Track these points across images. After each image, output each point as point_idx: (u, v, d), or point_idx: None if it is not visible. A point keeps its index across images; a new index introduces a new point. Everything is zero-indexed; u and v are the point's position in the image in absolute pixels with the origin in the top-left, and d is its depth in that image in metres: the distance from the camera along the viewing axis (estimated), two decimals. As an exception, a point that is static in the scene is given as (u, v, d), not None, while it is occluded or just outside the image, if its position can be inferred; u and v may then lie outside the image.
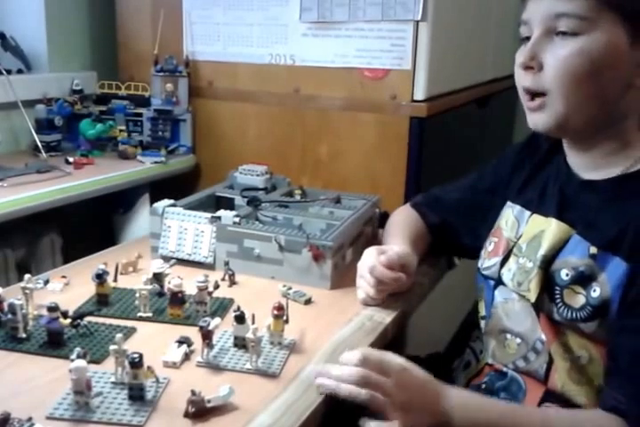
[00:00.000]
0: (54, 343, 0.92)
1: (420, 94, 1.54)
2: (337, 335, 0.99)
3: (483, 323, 1.06)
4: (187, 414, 0.77)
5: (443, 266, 1.33)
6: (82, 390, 0.76)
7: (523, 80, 0.93)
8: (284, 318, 0.93)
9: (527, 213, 1.02)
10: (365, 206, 1.36)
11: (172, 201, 1.29)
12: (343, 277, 1.18)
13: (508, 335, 0.99)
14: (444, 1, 1.52)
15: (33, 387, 0.82)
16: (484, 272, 1.05)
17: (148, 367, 0.79)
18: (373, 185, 1.58)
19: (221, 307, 1.07)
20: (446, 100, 1.67)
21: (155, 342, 0.95)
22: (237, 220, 1.21)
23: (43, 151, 1.56)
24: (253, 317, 0.91)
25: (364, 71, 1.58)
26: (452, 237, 1.24)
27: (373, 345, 0.97)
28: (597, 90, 0.88)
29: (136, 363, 0.77)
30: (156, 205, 1.27)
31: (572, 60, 0.87)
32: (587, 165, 0.96)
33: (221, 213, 1.23)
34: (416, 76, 1.53)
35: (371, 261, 1.08)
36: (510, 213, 1.05)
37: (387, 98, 1.56)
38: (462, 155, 1.92)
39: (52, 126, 1.65)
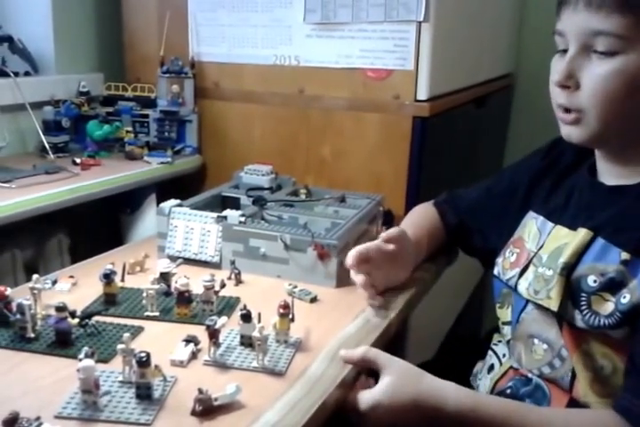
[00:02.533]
0: (62, 343, 0.93)
1: (422, 94, 1.55)
2: (342, 333, 0.99)
3: (507, 328, 1.05)
4: (194, 413, 0.78)
5: (443, 262, 1.34)
6: (90, 389, 0.78)
7: (558, 97, 0.92)
8: (290, 316, 0.94)
9: (550, 224, 1.00)
10: (369, 205, 1.36)
11: (178, 201, 1.30)
12: (348, 276, 1.18)
13: (536, 340, 0.97)
14: (445, 2, 1.53)
15: (41, 386, 0.84)
16: (508, 283, 1.04)
17: (156, 366, 0.80)
18: (377, 184, 1.59)
19: (228, 306, 1.08)
20: (447, 100, 1.67)
21: (162, 341, 0.96)
22: (243, 219, 1.22)
23: (50, 152, 1.57)
24: (259, 315, 0.92)
25: (367, 72, 1.59)
26: (464, 238, 1.25)
27: (377, 341, 0.98)
28: (634, 108, 0.87)
29: (143, 362, 0.78)
30: (162, 205, 1.28)
31: (609, 80, 0.85)
32: (618, 173, 0.95)
33: (227, 212, 1.24)
34: (419, 77, 1.54)
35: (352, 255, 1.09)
36: (533, 224, 1.04)
37: (390, 98, 1.57)
38: (461, 154, 1.93)
39: (60, 128, 1.66)
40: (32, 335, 0.94)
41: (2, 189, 1.34)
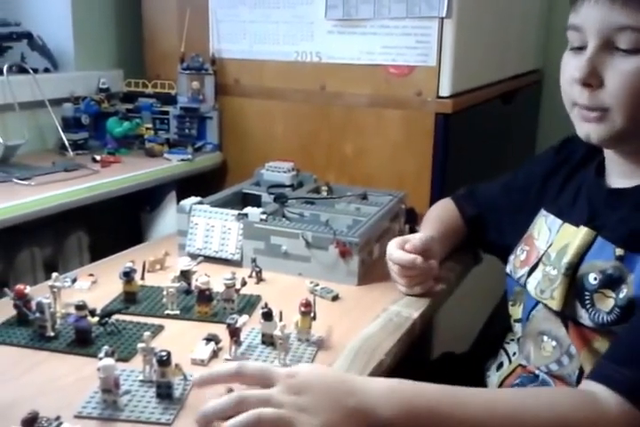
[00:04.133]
0: (82, 342, 0.92)
1: (445, 90, 1.53)
2: (364, 331, 0.97)
3: (518, 326, 1.04)
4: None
5: (469, 261, 1.31)
6: (110, 388, 0.76)
7: (577, 96, 0.88)
8: (312, 314, 0.93)
9: (559, 222, 0.99)
10: (392, 203, 1.34)
11: (198, 198, 1.29)
12: (370, 274, 1.17)
13: (545, 338, 0.96)
14: (468, -3, 1.51)
15: (61, 385, 0.82)
16: (519, 281, 1.03)
17: (176, 365, 0.79)
18: (399, 181, 1.57)
19: (249, 304, 1.06)
20: (471, 97, 1.65)
21: (182, 339, 0.95)
22: (264, 217, 1.21)
23: (70, 150, 1.57)
24: (281, 314, 0.90)
25: (389, 68, 1.57)
26: (481, 232, 1.23)
27: (401, 341, 0.96)
28: None
29: (164, 361, 0.77)
30: (183, 202, 1.27)
31: (636, 77, 0.83)
32: (624, 173, 0.94)
33: (248, 210, 1.23)
34: (441, 73, 1.52)
35: (390, 249, 1.08)
36: (543, 222, 1.03)
37: (412, 94, 1.55)
38: (487, 151, 1.91)
39: (79, 125, 1.66)
40: (52, 334, 0.93)
41: (21, 186, 1.34)
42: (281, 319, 0.89)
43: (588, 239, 0.91)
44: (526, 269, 1.01)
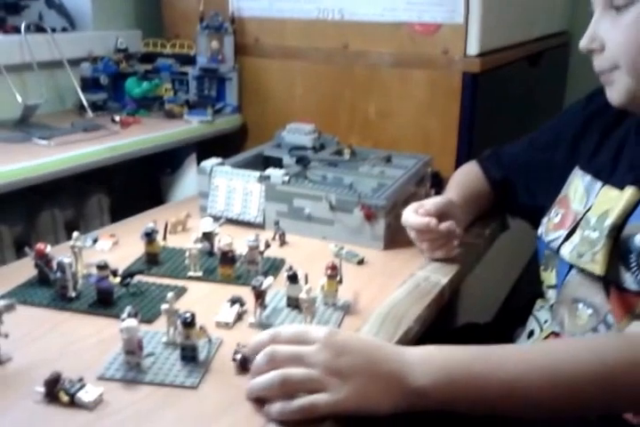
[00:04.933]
0: (104, 302, 0.90)
1: (473, 49, 1.48)
2: (392, 296, 0.95)
3: (552, 292, 1.01)
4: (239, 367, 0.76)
5: (496, 227, 1.28)
6: (133, 350, 0.75)
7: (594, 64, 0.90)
8: (338, 278, 0.90)
9: (598, 183, 0.95)
10: (417, 166, 1.31)
11: (219, 160, 1.26)
12: (396, 238, 1.14)
13: (580, 305, 0.93)
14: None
15: (83, 347, 0.81)
16: (550, 245, 0.99)
17: (201, 327, 0.77)
18: (424, 144, 1.53)
19: (273, 267, 1.04)
20: (499, 57, 1.60)
21: (206, 301, 0.93)
22: (287, 179, 1.18)
23: (89, 110, 1.54)
24: (307, 277, 0.88)
25: (414, 26, 1.51)
26: (510, 195, 1.19)
27: (430, 307, 0.94)
28: None
29: (188, 323, 0.75)
30: (203, 163, 1.24)
31: (630, 29, 0.83)
32: None
33: (270, 171, 1.20)
34: (469, 30, 1.47)
35: (405, 214, 1.06)
36: (580, 183, 0.99)
37: (438, 53, 1.50)
38: (513, 115, 1.86)
39: (98, 85, 1.63)
40: (73, 295, 0.92)
41: (40, 146, 1.32)
42: (307, 282, 0.87)
43: (634, 200, 0.87)
44: (561, 232, 0.97)
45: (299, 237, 1.16)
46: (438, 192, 1.33)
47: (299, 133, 1.42)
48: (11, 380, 0.74)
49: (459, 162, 1.48)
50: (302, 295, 0.84)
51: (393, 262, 1.08)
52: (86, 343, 0.82)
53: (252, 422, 0.67)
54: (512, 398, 0.70)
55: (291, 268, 0.91)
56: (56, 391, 0.69)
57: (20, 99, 1.43)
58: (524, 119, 1.93)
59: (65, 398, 0.69)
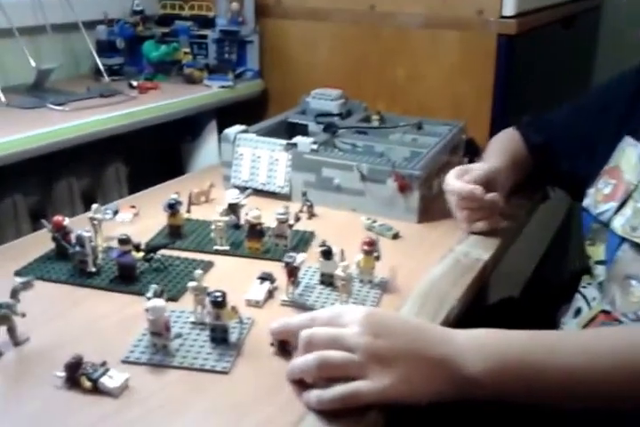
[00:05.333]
0: (126, 278, 0.85)
1: (509, 10, 1.40)
2: (431, 273, 0.89)
3: (600, 268, 0.94)
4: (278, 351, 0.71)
5: (537, 198, 1.22)
6: (160, 331, 0.69)
7: None
8: (375, 254, 0.84)
9: None
10: (451, 133, 1.24)
11: (243, 127, 1.20)
12: (430, 210, 1.08)
13: (634, 282, 0.86)
14: None
15: (104, 326, 0.76)
16: (600, 217, 0.93)
17: (232, 307, 0.71)
18: (457, 110, 1.46)
19: (302, 241, 0.99)
20: (534, 18, 1.51)
21: (234, 277, 0.87)
22: (315, 147, 1.12)
23: (105, 75, 1.47)
24: (343, 252, 0.82)
25: (446, -16, 1.43)
26: (551, 162, 1.13)
27: (473, 285, 0.88)
28: None
29: (219, 302, 0.70)
30: (227, 131, 1.18)
31: None
32: None
33: (298, 139, 1.13)
34: (505, -11, 1.38)
35: (448, 179, 1.00)
36: (633, 153, 0.92)
37: (472, 14, 1.42)
38: (547, 79, 1.77)
39: (114, 49, 1.56)
40: (93, 269, 0.86)
41: (55, 112, 1.26)
42: (343, 259, 0.81)
43: None
44: (612, 204, 0.91)
45: (327, 209, 1.10)
46: (472, 160, 1.26)
47: (325, 99, 1.35)
48: (29, 363, 0.69)
49: (493, 129, 1.41)
50: (338, 272, 0.78)
51: (429, 236, 1.02)
52: (108, 322, 0.77)
53: (291, 411, 0.62)
54: (569, 387, 0.65)
55: (324, 243, 0.86)
56: (77, 376, 0.64)
57: (33, 63, 1.37)
58: (556, 85, 1.85)
59: (87, 383, 0.64)
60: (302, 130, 1.29)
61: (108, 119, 1.25)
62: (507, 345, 0.65)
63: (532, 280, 1.71)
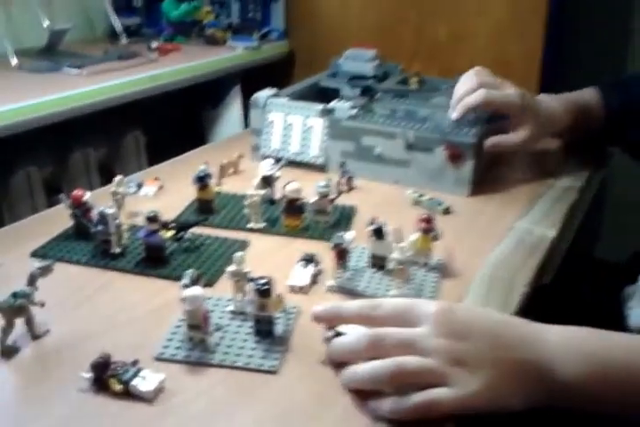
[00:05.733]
0: (154, 260, 0.76)
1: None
2: (494, 254, 0.80)
3: None
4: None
5: (598, 164, 1.12)
6: (198, 324, 0.61)
7: None
8: (433, 233, 0.75)
9: None
10: (499, 97, 1.13)
11: (274, 90, 1.10)
12: (482, 182, 0.99)
13: None
14: None
15: (133, 316, 0.67)
16: None
17: (278, 295, 0.63)
18: (503, 71, 1.32)
19: (344, 217, 0.89)
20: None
21: (272, 259, 0.79)
22: (354, 112, 1.02)
23: (122, 36, 1.37)
24: (399, 232, 0.72)
25: None
26: (626, 128, 1.05)
27: (543, 267, 0.78)
28: None
29: (265, 291, 0.61)
30: (257, 95, 1.08)
31: None
32: None
33: (335, 104, 1.03)
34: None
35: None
36: None
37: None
38: (606, 37, 1.65)
39: (131, 8, 1.48)
40: (117, 250, 0.77)
41: (71, 76, 1.17)
42: (399, 239, 0.71)
43: None
44: None
45: (367, 182, 1.01)
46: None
47: (358, 61, 1.25)
48: (50, 360, 0.61)
49: (542, 91, 1.30)
50: (395, 255, 0.69)
51: (483, 212, 0.93)
52: (137, 312, 0.68)
53: (355, 419, 0.54)
54: None
55: (374, 220, 0.76)
56: (106, 378, 0.56)
57: (46, 23, 1.27)
58: (615, 49, 1.72)
59: (117, 386, 0.56)
60: (334, 94, 1.19)
61: (127, 83, 1.16)
62: (609, 349, 0.55)
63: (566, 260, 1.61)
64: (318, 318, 0.61)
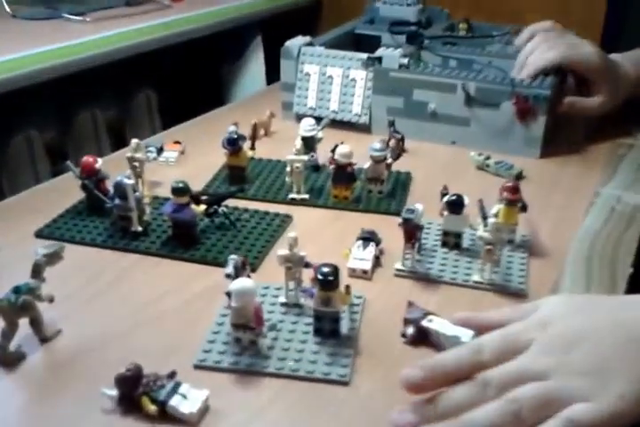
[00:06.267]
0: (184, 241, 0.64)
1: None
2: (584, 228, 0.68)
3: None
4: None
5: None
6: (246, 322, 0.49)
7: None
8: (520, 204, 0.62)
9: None
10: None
11: (307, 38, 0.96)
12: (554, 142, 0.86)
13: None
14: None
15: (161, 311, 0.55)
16: None
17: (347, 287, 0.50)
18: (561, 17, 1.19)
19: (399, 185, 0.76)
20: None
21: (320, 237, 0.66)
22: (406, 61, 0.88)
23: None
24: (482, 204, 0.59)
25: None
26: None
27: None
28: None
29: (330, 282, 0.48)
30: (289, 43, 0.94)
31: None
32: None
33: (382, 52, 0.90)
34: None
35: None
36: None
37: None
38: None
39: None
40: (139, 229, 0.65)
41: (73, 23, 1.05)
42: (485, 216, 0.58)
43: None
44: None
45: (419, 143, 0.88)
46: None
47: (398, 4, 1.12)
48: (62, 371, 0.49)
49: (605, 38, 1.16)
50: (483, 234, 0.56)
51: (560, 176, 0.80)
52: (166, 305, 0.56)
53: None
54: None
55: (446, 188, 0.64)
56: (137, 396, 0.44)
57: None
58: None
59: (151, 407, 0.44)
60: (373, 43, 1.05)
61: (136, 31, 1.04)
62: None
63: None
64: (416, 387, 0.44)
